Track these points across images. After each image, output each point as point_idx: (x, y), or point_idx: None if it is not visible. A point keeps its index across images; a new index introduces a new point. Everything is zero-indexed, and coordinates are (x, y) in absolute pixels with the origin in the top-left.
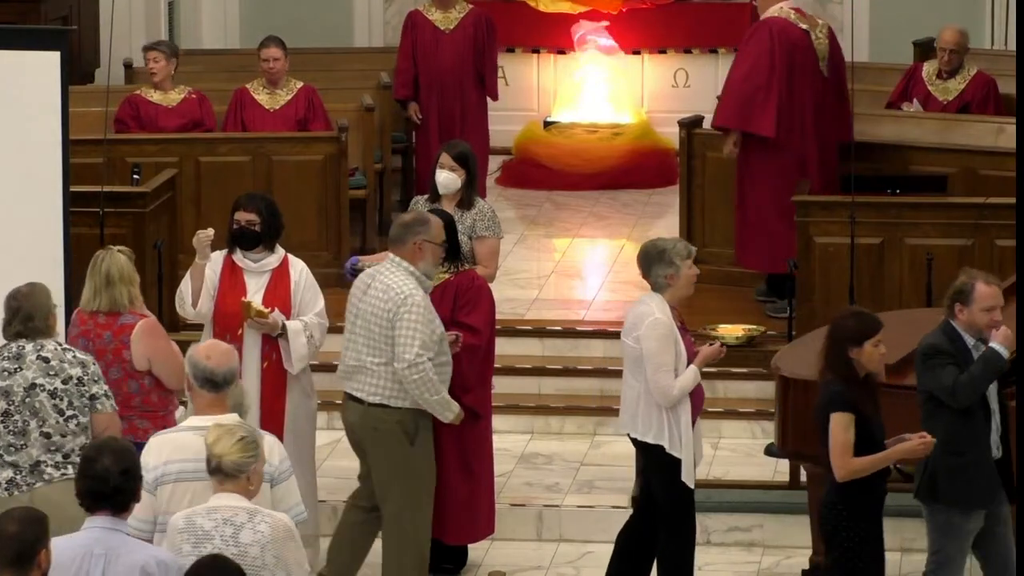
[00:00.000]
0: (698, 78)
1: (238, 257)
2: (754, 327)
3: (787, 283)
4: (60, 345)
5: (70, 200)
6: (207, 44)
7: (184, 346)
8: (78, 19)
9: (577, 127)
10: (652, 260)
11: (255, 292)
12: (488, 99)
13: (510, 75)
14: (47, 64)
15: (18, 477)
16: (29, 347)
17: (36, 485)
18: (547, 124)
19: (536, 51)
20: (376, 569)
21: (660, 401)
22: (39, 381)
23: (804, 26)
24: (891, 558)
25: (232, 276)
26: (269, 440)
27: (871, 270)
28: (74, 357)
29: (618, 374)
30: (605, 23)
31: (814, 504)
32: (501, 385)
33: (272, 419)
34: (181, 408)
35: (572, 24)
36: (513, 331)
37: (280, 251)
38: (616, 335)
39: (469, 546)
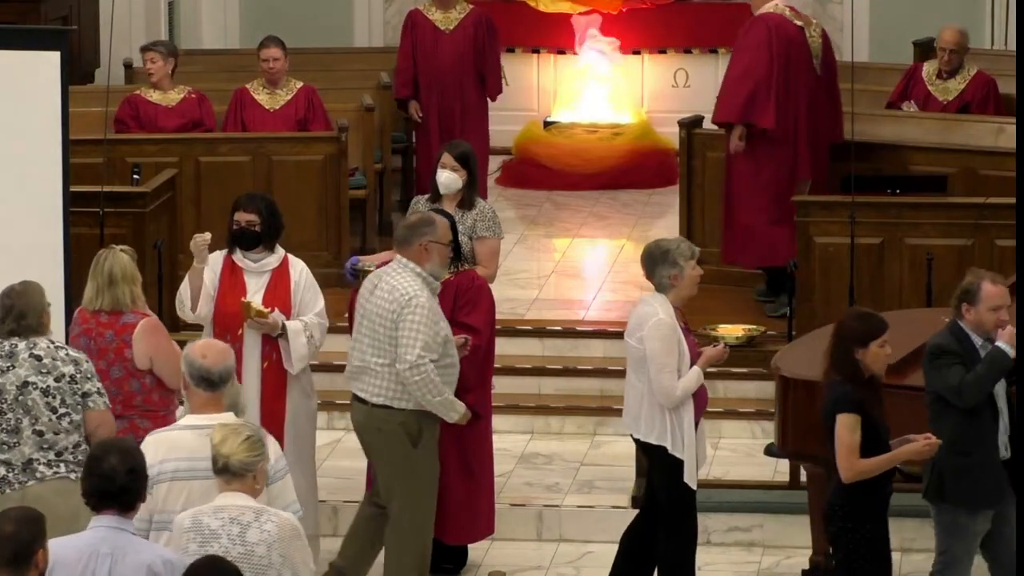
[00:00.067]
0: (698, 78)
1: (238, 257)
2: (754, 327)
3: (785, 280)
4: (53, 343)
5: (70, 200)
6: (207, 44)
7: (185, 346)
8: (78, 19)
9: (577, 127)
10: (656, 261)
11: (255, 292)
12: (488, 99)
13: (510, 75)
14: (47, 64)
15: (10, 475)
16: (22, 345)
17: (28, 483)
18: (547, 124)
19: (536, 51)
20: (379, 568)
21: (663, 402)
22: (31, 379)
23: (799, 23)
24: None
25: (232, 276)
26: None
27: (871, 270)
28: (67, 355)
29: (618, 374)
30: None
31: (814, 504)
32: (501, 385)
33: (272, 419)
34: (181, 408)
35: (572, 24)
36: (513, 331)
37: (280, 251)
38: (616, 335)
39: (469, 546)
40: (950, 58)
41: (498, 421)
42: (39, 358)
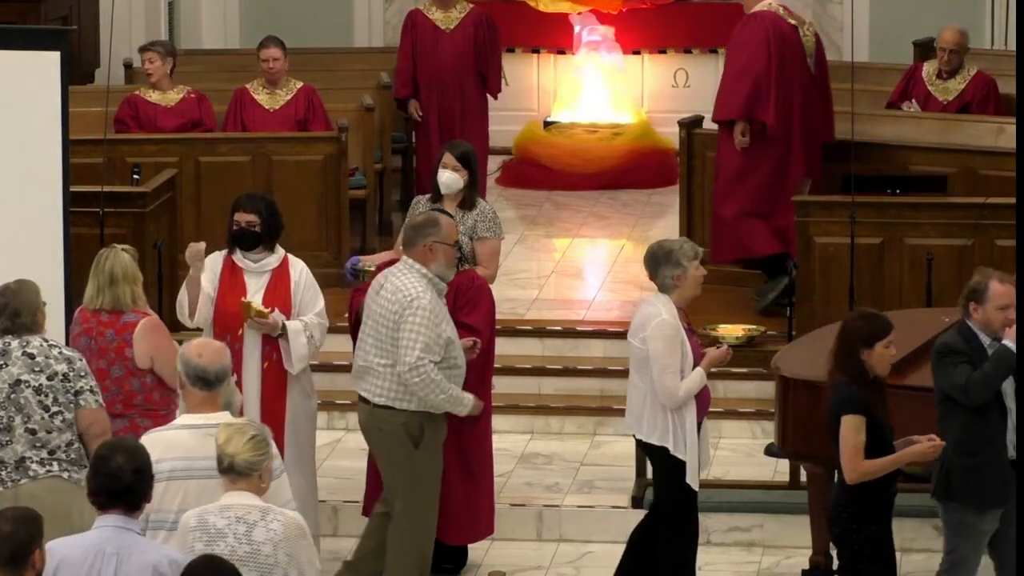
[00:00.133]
0: (698, 78)
1: (238, 257)
2: (754, 327)
3: (777, 265)
4: (47, 341)
5: (70, 200)
6: (207, 44)
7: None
8: (78, 19)
9: (577, 127)
10: (659, 261)
11: (255, 292)
12: (488, 99)
13: (510, 75)
14: (47, 64)
15: (3, 473)
16: (15, 343)
17: (21, 481)
18: (547, 124)
19: (536, 51)
20: None
21: (665, 403)
22: (24, 377)
23: (792, 21)
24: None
25: (232, 276)
26: None
27: (871, 270)
28: (60, 353)
29: (618, 374)
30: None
31: (814, 504)
32: (501, 385)
33: (272, 419)
34: (182, 406)
35: (572, 24)
36: (513, 331)
37: (280, 251)
38: (616, 335)
39: (469, 546)
40: (950, 58)
41: (498, 421)
42: (32, 356)
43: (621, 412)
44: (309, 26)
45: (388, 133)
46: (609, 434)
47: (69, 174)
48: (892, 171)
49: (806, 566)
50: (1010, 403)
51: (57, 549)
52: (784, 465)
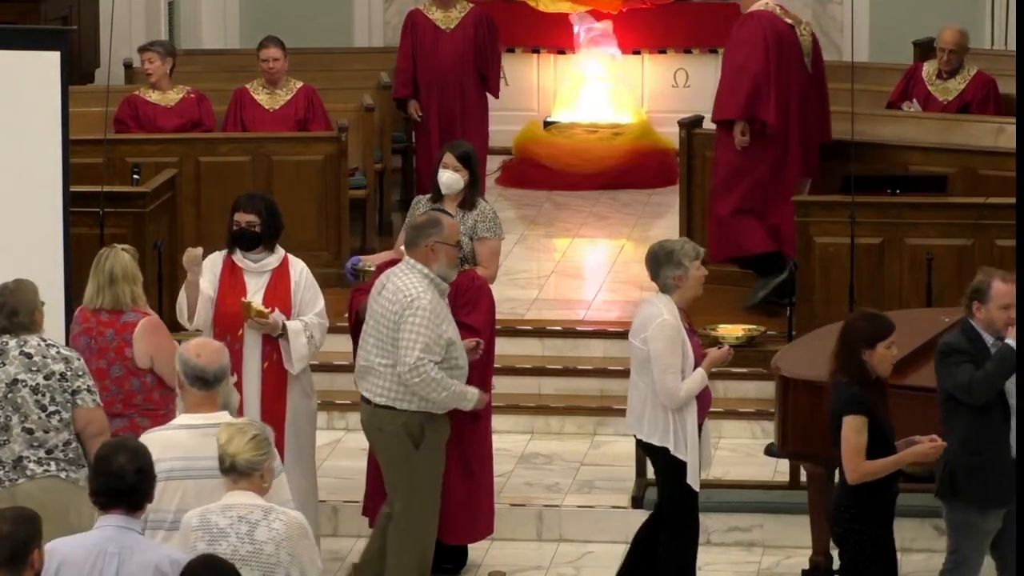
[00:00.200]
0: (698, 78)
1: (238, 257)
2: (754, 327)
3: (769, 264)
4: (44, 341)
5: (70, 200)
6: (207, 44)
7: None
8: (78, 19)
9: (577, 127)
10: (660, 261)
11: (255, 292)
12: (489, 99)
13: (510, 75)
14: (47, 64)
15: (0, 473)
16: (12, 343)
17: (19, 481)
18: (547, 124)
19: (536, 51)
20: None
21: (666, 403)
22: (21, 377)
23: (789, 21)
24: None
25: (232, 276)
26: None
27: (871, 270)
28: (57, 353)
29: (618, 374)
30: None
31: (814, 504)
32: (501, 385)
33: (272, 419)
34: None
35: (572, 24)
36: (513, 331)
37: (280, 251)
38: (616, 335)
39: (469, 546)
40: (949, 58)
41: (498, 421)
42: (29, 356)
43: (621, 412)
44: (309, 26)
45: (388, 133)
46: (609, 434)
47: (69, 174)
48: (892, 171)
49: (806, 566)
50: (1013, 402)
51: (59, 549)
52: (784, 465)
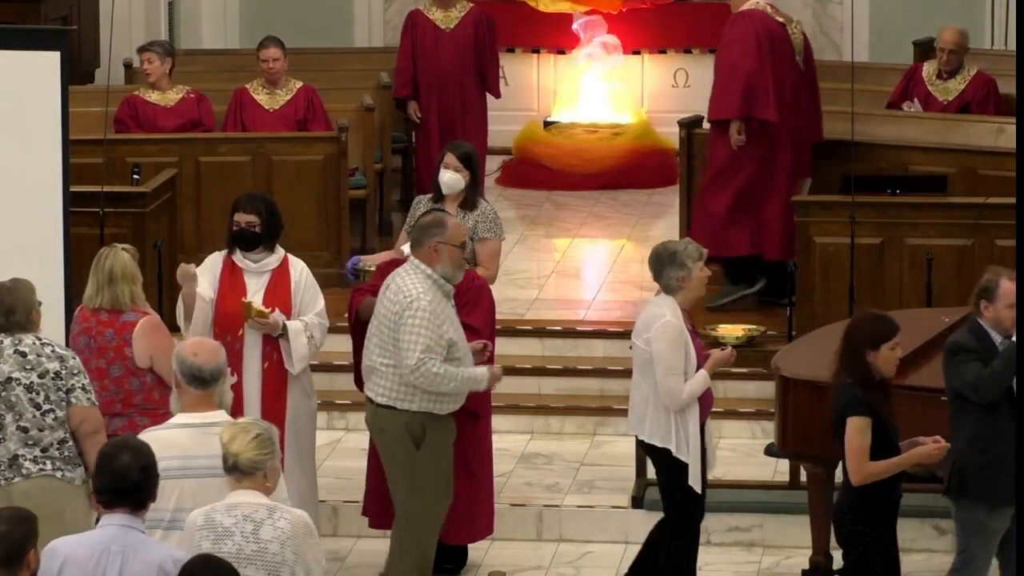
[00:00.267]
0: (698, 78)
1: (238, 257)
2: (754, 327)
3: (743, 271)
4: (39, 340)
5: (70, 200)
6: (207, 44)
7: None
8: (78, 19)
9: (577, 127)
10: (664, 262)
11: (255, 292)
12: (489, 98)
13: (510, 75)
14: (47, 64)
15: None
16: (7, 341)
17: (14, 480)
18: (547, 124)
19: (536, 51)
20: (381, 570)
21: (669, 404)
22: (15, 375)
23: (780, 19)
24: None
25: (232, 277)
26: None
27: (871, 270)
28: (52, 351)
29: (618, 374)
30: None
31: (814, 504)
32: (501, 385)
33: (273, 419)
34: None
35: (572, 24)
36: (513, 331)
37: (280, 251)
38: (616, 335)
39: (469, 546)
40: (949, 58)
41: (498, 421)
42: (23, 354)
43: (621, 412)
44: (309, 26)
45: (388, 133)
46: (609, 434)
47: (69, 174)
48: (892, 171)
49: (806, 566)
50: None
51: (62, 548)
52: (784, 465)
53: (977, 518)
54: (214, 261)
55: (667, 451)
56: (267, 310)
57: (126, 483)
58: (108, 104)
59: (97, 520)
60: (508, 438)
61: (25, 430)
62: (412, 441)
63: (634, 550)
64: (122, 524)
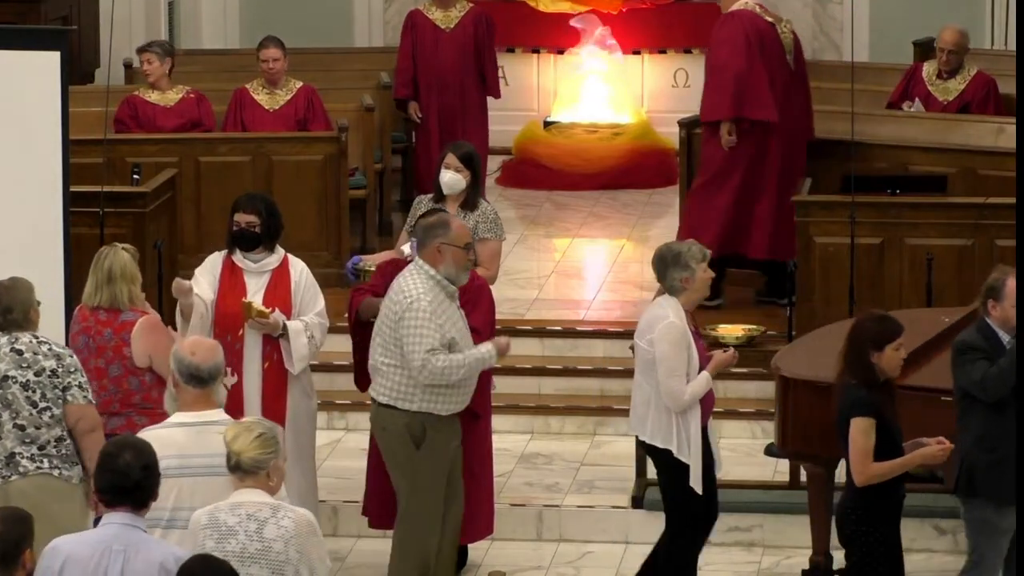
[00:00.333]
0: (698, 78)
1: (238, 258)
2: (754, 327)
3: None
4: (36, 338)
5: (70, 200)
6: (207, 44)
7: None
8: (78, 19)
9: (577, 127)
10: (667, 263)
11: (255, 292)
12: (488, 98)
13: (510, 75)
14: (47, 64)
15: None
16: (4, 340)
17: (12, 478)
18: (547, 124)
19: (536, 51)
20: (381, 570)
21: (671, 406)
22: (11, 373)
23: (769, 19)
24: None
25: (232, 277)
26: None
27: (871, 270)
28: (49, 350)
29: (618, 374)
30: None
31: (814, 504)
32: (501, 385)
33: (273, 419)
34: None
35: (572, 24)
36: (513, 331)
37: (280, 251)
38: (616, 335)
39: (469, 546)
40: (948, 58)
41: (498, 421)
42: (20, 352)
43: (621, 412)
44: (309, 26)
45: (388, 133)
46: (609, 434)
47: (69, 174)
48: (892, 171)
49: (806, 566)
50: None
51: (63, 546)
52: (784, 465)
53: (986, 516)
54: (214, 261)
55: (668, 452)
56: (267, 310)
57: (127, 482)
58: (108, 104)
59: (97, 519)
60: (508, 438)
61: (22, 428)
62: (412, 441)
63: (634, 550)
64: (123, 523)
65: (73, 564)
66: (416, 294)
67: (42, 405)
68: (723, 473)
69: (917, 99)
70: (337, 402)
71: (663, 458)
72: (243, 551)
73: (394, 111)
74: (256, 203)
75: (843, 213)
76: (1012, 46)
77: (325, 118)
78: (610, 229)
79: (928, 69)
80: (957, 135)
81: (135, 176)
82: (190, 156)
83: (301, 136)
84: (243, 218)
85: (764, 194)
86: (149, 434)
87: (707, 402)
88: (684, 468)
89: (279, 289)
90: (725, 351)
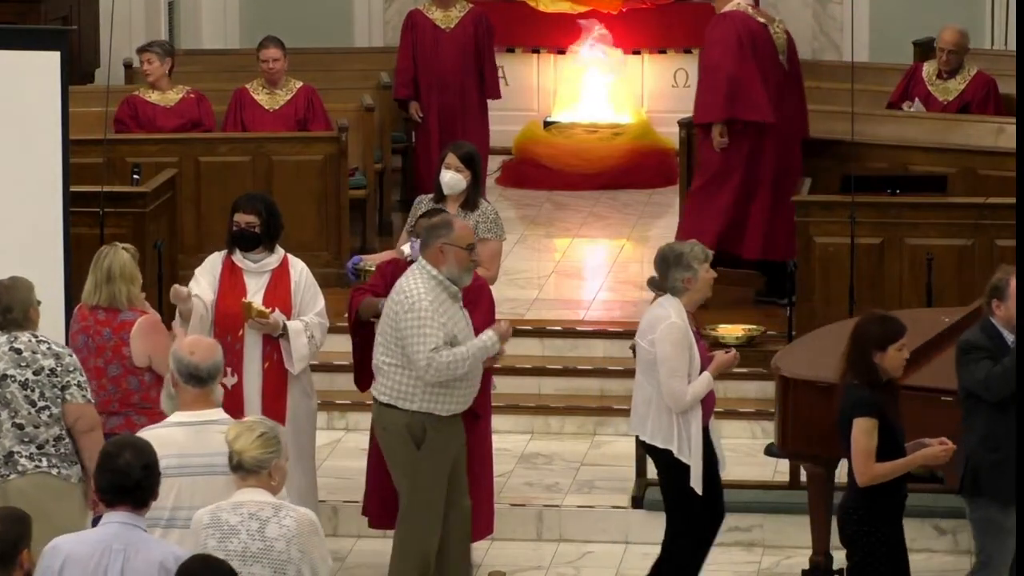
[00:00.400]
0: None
1: (238, 258)
2: (754, 327)
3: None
4: (36, 337)
5: (70, 200)
6: (207, 44)
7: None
8: (78, 19)
9: (577, 127)
10: (669, 264)
11: (255, 292)
12: (491, 97)
13: (510, 75)
14: (47, 64)
15: None
16: (3, 339)
17: (10, 477)
18: (547, 124)
19: (536, 51)
20: (381, 570)
21: (672, 406)
22: (10, 372)
23: (761, 19)
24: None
25: (232, 277)
26: None
27: (871, 270)
28: (48, 349)
29: (618, 374)
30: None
31: (814, 504)
32: (501, 385)
33: (273, 419)
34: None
35: (572, 24)
36: (513, 331)
37: (280, 251)
38: (616, 335)
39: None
40: (948, 58)
41: (498, 421)
42: (19, 351)
43: (621, 412)
44: (309, 26)
45: (388, 133)
46: (609, 434)
47: (69, 174)
48: (892, 171)
49: (806, 566)
50: None
51: (64, 545)
52: (784, 465)
53: (991, 517)
54: (214, 261)
55: (668, 452)
56: (267, 310)
57: (128, 481)
58: (108, 104)
59: (96, 519)
60: (508, 438)
61: (21, 427)
62: (413, 441)
63: (634, 550)
64: (123, 522)
65: (73, 563)
66: (417, 294)
67: (41, 404)
68: (723, 473)
69: (917, 99)
70: (337, 402)
71: (663, 458)
72: (245, 550)
73: (394, 111)
74: (256, 203)
75: (843, 213)
76: (1012, 46)
77: (325, 118)
78: (610, 229)
79: (928, 69)
80: (957, 135)
81: (135, 176)
82: (190, 156)
83: (301, 136)
84: (243, 218)
85: (758, 194)
86: (148, 433)
87: (708, 402)
88: (684, 468)
89: (279, 289)
90: (727, 352)
